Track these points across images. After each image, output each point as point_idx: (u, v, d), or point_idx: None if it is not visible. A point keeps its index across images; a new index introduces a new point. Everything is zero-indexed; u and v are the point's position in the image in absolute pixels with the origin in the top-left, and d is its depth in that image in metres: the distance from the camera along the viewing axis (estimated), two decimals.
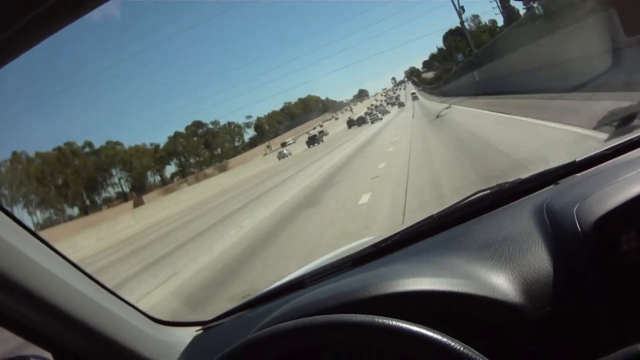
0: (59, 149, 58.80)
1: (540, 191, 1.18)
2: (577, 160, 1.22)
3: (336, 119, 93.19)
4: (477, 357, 0.69)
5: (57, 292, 0.96)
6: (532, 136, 7.48)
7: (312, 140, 51.83)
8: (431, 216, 1.26)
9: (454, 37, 52.73)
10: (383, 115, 58.62)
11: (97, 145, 63.72)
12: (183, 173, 69.83)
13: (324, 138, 53.43)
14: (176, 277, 7.71)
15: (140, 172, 66.06)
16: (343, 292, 0.96)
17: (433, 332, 0.72)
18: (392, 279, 0.95)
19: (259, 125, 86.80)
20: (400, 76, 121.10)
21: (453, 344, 0.71)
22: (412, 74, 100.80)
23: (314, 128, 77.20)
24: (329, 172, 16.34)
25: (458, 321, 0.89)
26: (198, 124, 78.08)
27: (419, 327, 0.73)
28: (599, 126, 5.65)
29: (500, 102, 14.03)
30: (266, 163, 45.68)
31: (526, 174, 1.25)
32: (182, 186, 50.61)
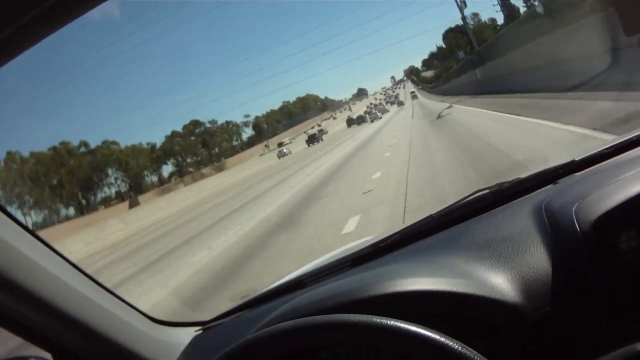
0: (54, 148, 58.73)
1: (539, 190, 1.19)
2: (576, 159, 1.23)
3: (334, 118, 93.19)
4: (476, 357, 0.70)
5: (56, 292, 0.96)
6: (546, 140, 6.57)
7: (312, 139, 52.03)
8: (430, 216, 1.27)
9: (454, 34, 52.62)
10: (382, 114, 58.74)
11: (93, 145, 63.70)
12: (180, 173, 69.77)
13: (324, 137, 53.48)
14: (151, 294, 7.15)
15: (136, 172, 65.97)
16: (342, 292, 0.97)
17: (432, 332, 0.73)
18: (390, 278, 0.96)
19: (257, 125, 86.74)
20: (400, 75, 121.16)
21: (452, 343, 0.71)
22: (412, 73, 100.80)
23: (312, 127, 77.17)
24: (318, 179, 14.92)
25: (457, 321, 0.90)
26: (195, 123, 78.04)
27: (417, 327, 0.74)
28: (604, 127, 5.59)
29: (504, 102, 13.52)
30: (264, 163, 45.48)
31: (525, 174, 1.26)
32: (178, 186, 50.51)
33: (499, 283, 0.92)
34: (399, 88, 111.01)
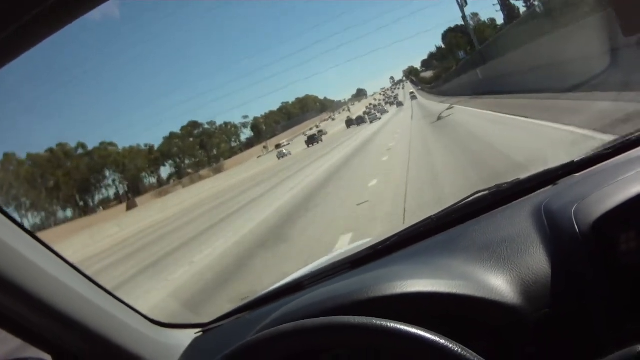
0: (51, 150, 58.77)
1: (539, 192, 1.19)
2: (575, 160, 1.23)
3: (333, 119, 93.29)
4: (476, 359, 0.71)
5: (56, 293, 0.97)
6: (562, 146, 5.96)
7: (312, 140, 52.33)
8: (429, 217, 1.27)
9: (454, 33, 52.58)
10: (382, 114, 58.87)
11: (90, 146, 63.78)
12: (179, 174, 69.82)
13: (323, 138, 53.68)
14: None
15: (134, 174, 66.00)
16: (341, 294, 0.97)
17: (431, 334, 0.73)
18: (390, 280, 0.97)
19: (255, 126, 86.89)
20: (399, 76, 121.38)
21: (451, 345, 0.72)
22: (411, 74, 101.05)
23: (311, 129, 77.20)
24: (311, 187, 13.92)
25: (456, 323, 0.91)
26: (194, 124, 78.18)
27: (417, 329, 0.75)
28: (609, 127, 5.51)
29: (506, 103, 13.07)
30: (262, 164, 45.39)
31: (524, 175, 1.26)
32: (176, 188, 50.57)
33: (499, 285, 0.93)
34: (398, 89, 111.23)
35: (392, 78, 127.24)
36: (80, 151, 62.56)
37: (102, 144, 65.01)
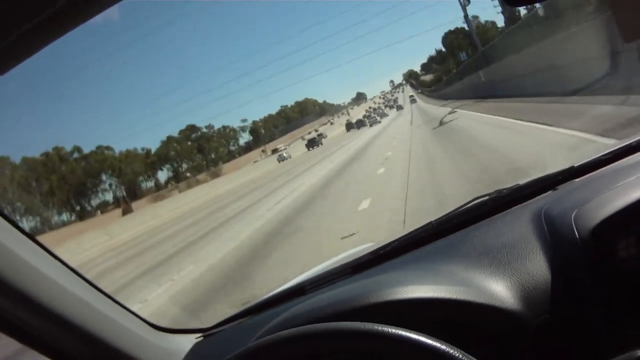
0: (46, 154, 58.73)
1: (539, 197, 1.20)
2: (575, 165, 1.24)
3: (332, 123, 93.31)
4: None
5: (56, 297, 0.98)
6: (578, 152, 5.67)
7: (312, 143, 52.87)
8: (430, 223, 1.28)
9: (455, 35, 52.48)
10: (381, 118, 59.11)
11: (87, 150, 63.80)
12: (177, 178, 69.78)
13: (323, 141, 53.99)
14: None
15: (130, 178, 65.96)
16: (342, 300, 0.99)
17: (432, 340, 0.75)
18: (391, 286, 0.98)
19: (254, 129, 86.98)
20: (399, 79, 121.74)
21: (452, 351, 0.73)
22: (411, 77, 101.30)
23: (309, 133, 77.29)
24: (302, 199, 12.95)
25: (457, 329, 0.92)
26: (192, 128, 78.22)
27: (418, 334, 0.76)
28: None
29: (515, 107, 12.18)
30: (261, 169, 45.24)
31: (524, 180, 1.28)
32: (173, 193, 50.46)
33: (499, 290, 0.94)
34: (398, 92, 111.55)
35: (391, 81, 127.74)
36: (76, 155, 62.61)
37: (98, 147, 65.09)
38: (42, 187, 55.19)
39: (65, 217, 57.53)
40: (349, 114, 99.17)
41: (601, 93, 7.79)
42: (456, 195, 6.13)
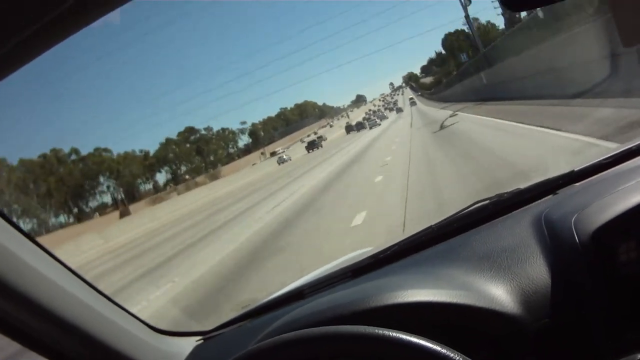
0: (44, 155, 58.73)
1: (539, 201, 1.21)
2: (575, 169, 1.25)
3: (331, 126, 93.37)
4: None
5: (55, 298, 0.98)
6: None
7: (312, 146, 53.40)
8: (430, 227, 1.29)
9: (456, 36, 52.42)
10: (381, 120, 59.32)
11: (85, 152, 63.83)
12: (175, 181, 69.83)
13: (322, 143, 54.30)
14: None
15: (129, 180, 65.97)
16: (342, 304, 0.99)
17: (433, 344, 0.75)
18: (391, 290, 0.98)
19: (253, 132, 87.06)
20: (399, 82, 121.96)
21: (452, 355, 0.74)
22: (410, 80, 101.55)
23: (308, 135, 77.47)
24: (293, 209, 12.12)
25: (457, 332, 0.92)
26: (191, 130, 78.31)
27: (419, 338, 0.76)
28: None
29: (520, 110, 11.47)
30: (260, 171, 45.20)
31: (525, 184, 1.28)
32: (171, 195, 50.46)
33: (499, 294, 0.95)
34: (398, 94, 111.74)
35: (391, 84, 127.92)
36: (73, 157, 62.64)
37: (96, 149, 65.13)
38: (39, 189, 55.14)
39: (62, 219, 57.59)
40: (348, 116, 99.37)
41: (603, 96, 7.72)
42: (456, 200, 5.87)
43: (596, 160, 1.26)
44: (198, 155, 76.58)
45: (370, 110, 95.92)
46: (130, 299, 7.58)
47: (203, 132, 79.26)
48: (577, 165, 1.27)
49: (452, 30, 55.95)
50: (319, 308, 1.02)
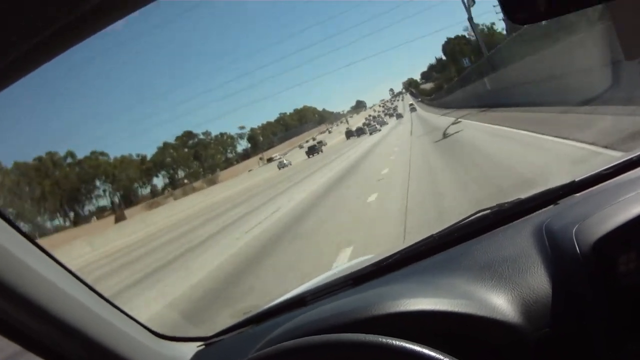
0: (39, 159, 58.63)
1: (540, 211, 1.23)
2: (576, 180, 1.27)
3: (330, 132, 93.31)
4: None
5: (56, 300, 0.99)
6: None
7: (312, 151, 53.78)
8: (431, 236, 1.31)
9: (457, 40, 52.35)
10: (381, 126, 59.43)
11: (81, 155, 63.75)
12: (173, 185, 69.76)
13: (323, 148, 54.54)
14: None
15: (125, 184, 65.87)
16: (344, 311, 1.01)
17: (434, 352, 0.77)
18: (392, 298, 1.00)
19: (252, 137, 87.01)
20: (399, 88, 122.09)
21: None
22: (410, 85, 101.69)
23: (307, 141, 77.45)
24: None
25: (458, 341, 0.94)
26: (189, 135, 78.20)
27: (420, 346, 0.78)
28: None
29: (531, 118, 10.69)
30: (258, 176, 45.09)
31: (526, 194, 1.30)
32: (168, 200, 50.35)
33: (500, 304, 0.96)
34: (398, 100, 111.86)
35: (391, 90, 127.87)
36: (69, 160, 62.55)
37: (93, 153, 65.03)
38: (34, 192, 54.97)
39: (58, 222, 57.43)
40: (347, 122, 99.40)
41: (611, 103, 7.62)
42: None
43: (597, 171, 1.27)
44: (196, 160, 76.54)
45: (370, 116, 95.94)
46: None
47: (201, 136, 79.24)
48: (578, 176, 1.28)
49: (452, 36, 55.99)
50: (321, 316, 1.03)
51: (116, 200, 64.42)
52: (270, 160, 64.75)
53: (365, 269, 1.33)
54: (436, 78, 67.13)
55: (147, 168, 70.36)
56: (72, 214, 59.67)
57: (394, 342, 0.79)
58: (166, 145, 75.11)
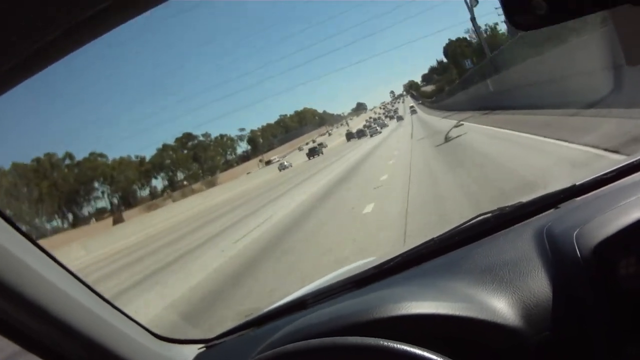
0: (37, 160, 58.66)
1: (541, 215, 1.24)
2: (577, 184, 1.28)
3: (330, 134, 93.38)
4: None
5: (56, 301, 0.99)
6: None
7: (312, 153, 54.34)
8: (432, 239, 1.32)
9: (459, 42, 52.33)
10: (382, 128, 59.62)
11: (80, 157, 63.81)
12: (172, 187, 69.78)
13: (323, 150, 54.76)
14: None
15: (124, 186, 65.89)
16: (345, 314, 1.01)
17: (435, 355, 0.78)
18: (393, 301, 1.01)
19: (252, 139, 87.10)
20: (399, 90, 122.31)
21: None
22: (411, 88, 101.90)
23: (307, 143, 77.61)
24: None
25: (459, 344, 0.94)
26: (188, 136, 78.27)
27: (421, 349, 0.79)
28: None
29: (538, 121, 10.24)
30: (258, 178, 45.06)
31: (526, 198, 1.31)
32: (166, 202, 50.34)
33: (500, 307, 0.97)
34: (399, 103, 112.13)
35: (392, 92, 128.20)
36: (68, 162, 62.60)
37: (91, 154, 65.11)
38: (32, 193, 54.97)
39: (56, 224, 57.44)
40: (348, 124, 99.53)
41: (617, 106, 7.59)
42: None
43: (598, 175, 1.28)
44: (195, 161, 76.57)
45: (370, 118, 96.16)
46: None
47: (201, 138, 79.35)
48: (579, 180, 1.29)
49: (453, 37, 56.07)
50: (322, 319, 1.04)
51: (115, 201, 64.49)
52: (268, 162, 64.80)
53: (366, 272, 1.34)
54: (437, 80, 67.30)
55: (146, 170, 70.42)
56: (70, 216, 59.72)
57: (395, 345, 0.79)
58: (165, 146, 75.28)
